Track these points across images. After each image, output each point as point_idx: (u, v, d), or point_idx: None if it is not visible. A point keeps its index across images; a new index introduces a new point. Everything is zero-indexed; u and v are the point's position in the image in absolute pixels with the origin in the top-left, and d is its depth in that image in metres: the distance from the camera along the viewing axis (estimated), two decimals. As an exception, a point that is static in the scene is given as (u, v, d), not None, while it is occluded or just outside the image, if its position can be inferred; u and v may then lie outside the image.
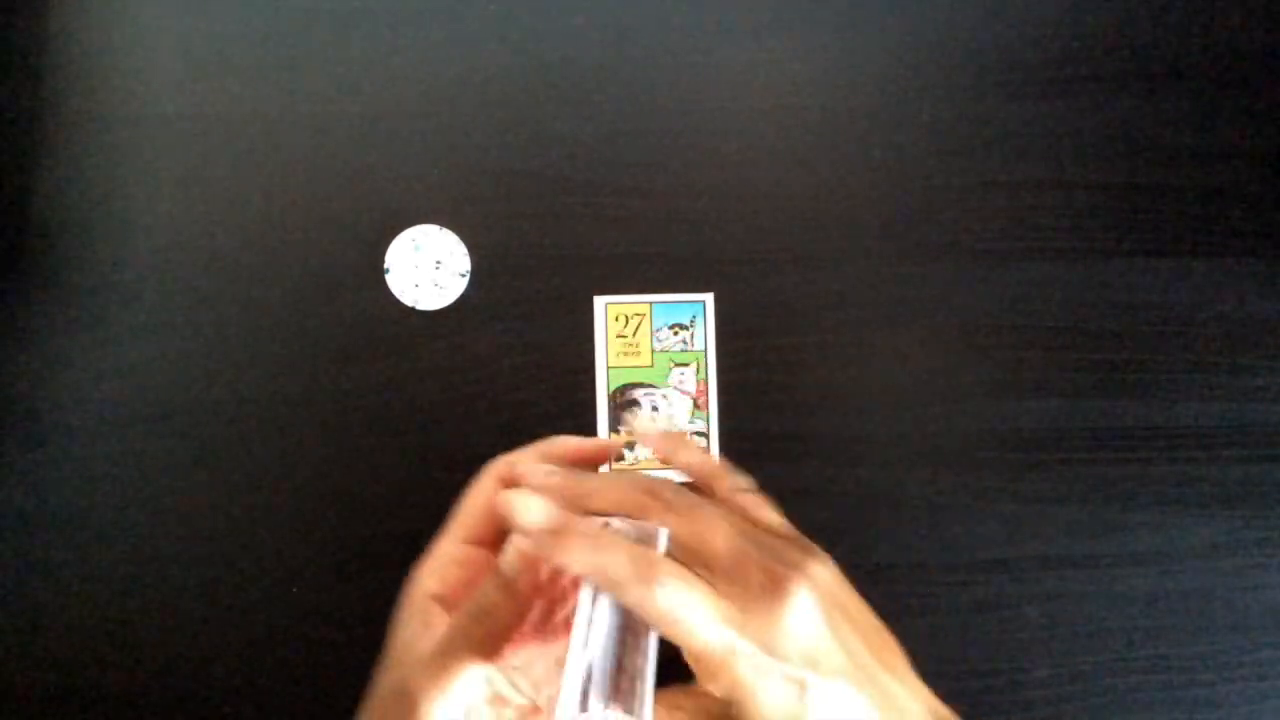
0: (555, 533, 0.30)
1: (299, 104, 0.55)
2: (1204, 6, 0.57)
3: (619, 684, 0.28)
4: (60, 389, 0.53)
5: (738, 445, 0.54)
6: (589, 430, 0.54)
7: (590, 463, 0.37)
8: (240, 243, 0.54)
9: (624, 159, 0.55)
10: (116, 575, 0.52)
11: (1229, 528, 0.54)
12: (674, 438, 0.37)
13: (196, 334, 0.54)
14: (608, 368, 0.55)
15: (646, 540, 0.30)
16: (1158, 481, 0.55)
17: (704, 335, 0.55)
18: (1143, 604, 0.54)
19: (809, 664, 0.29)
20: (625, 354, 0.55)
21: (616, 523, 0.31)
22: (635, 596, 0.28)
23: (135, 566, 0.52)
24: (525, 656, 0.34)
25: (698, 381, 0.55)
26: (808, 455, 0.54)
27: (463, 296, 0.54)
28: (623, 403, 0.54)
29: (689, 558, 0.30)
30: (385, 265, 0.54)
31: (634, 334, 0.55)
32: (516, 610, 0.31)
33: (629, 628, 0.29)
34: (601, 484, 0.33)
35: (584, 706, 0.28)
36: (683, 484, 0.33)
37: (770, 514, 0.34)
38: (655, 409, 0.55)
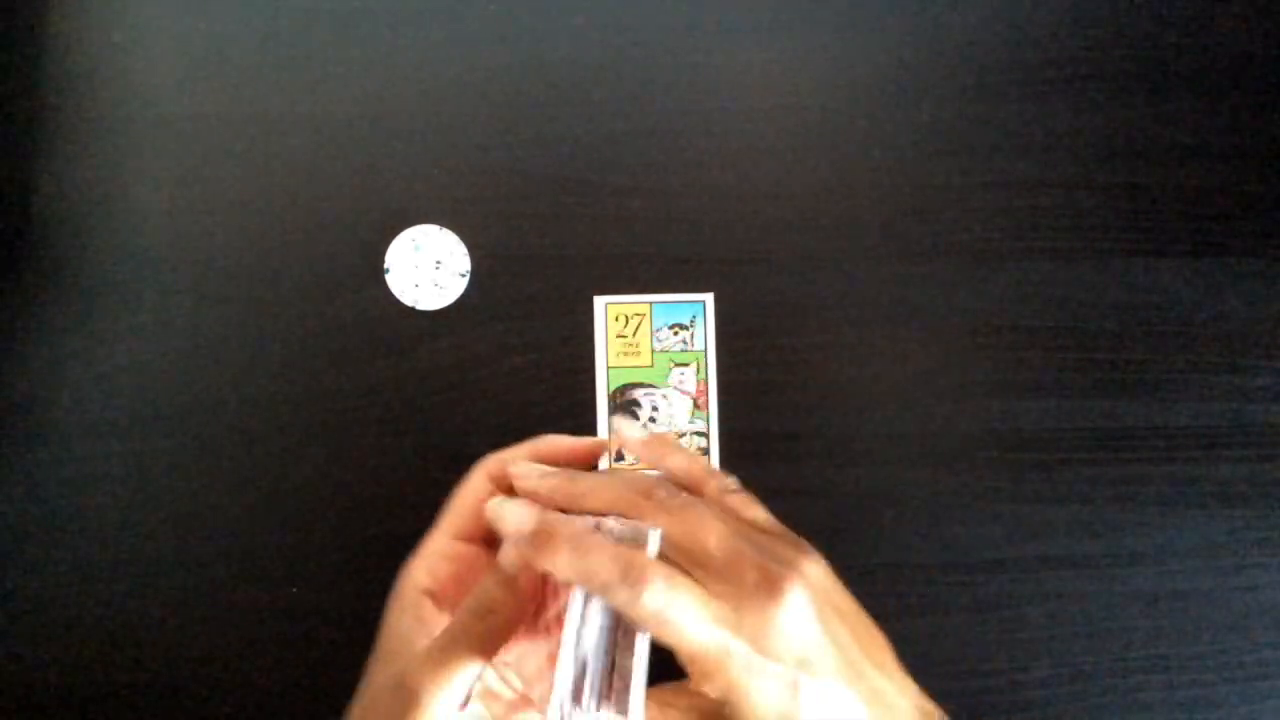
0: (540, 538, 0.30)
1: (299, 104, 0.55)
2: (1204, 7, 0.57)
3: (611, 683, 0.28)
4: (60, 389, 0.53)
5: (738, 445, 0.54)
6: (589, 430, 0.54)
7: (582, 462, 0.37)
8: (240, 243, 0.54)
9: (624, 159, 0.55)
10: (116, 575, 0.52)
11: (1229, 528, 0.54)
12: (658, 443, 0.36)
13: (196, 334, 0.54)
14: (608, 368, 0.55)
15: (639, 540, 0.30)
16: (1158, 481, 0.54)
17: (704, 335, 0.55)
18: (1143, 604, 0.54)
19: (801, 663, 0.29)
20: (625, 354, 0.55)
21: (610, 523, 0.31)
22: (622, 599, 0.28)
23: (135, 566, 0.52)
24: (517, 652, 0.34)
25: (698, 381, 0.55)
26: (808, 455, 0.54)
27: (463, 296, 0.54)
28: (622, 403, 0.54)
29: (682, 557, 0.30)
30: (385, 265, 0.54)
31: (634, 334, 0.55)
32: (518, 607, 0.31)
33: (621, 627, 0.29)
34: (595, 484, 0.33)
35: (576, 705, 0.28)
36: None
37: (760, 511, 0.34)
38: (655, 409, 0.55)
